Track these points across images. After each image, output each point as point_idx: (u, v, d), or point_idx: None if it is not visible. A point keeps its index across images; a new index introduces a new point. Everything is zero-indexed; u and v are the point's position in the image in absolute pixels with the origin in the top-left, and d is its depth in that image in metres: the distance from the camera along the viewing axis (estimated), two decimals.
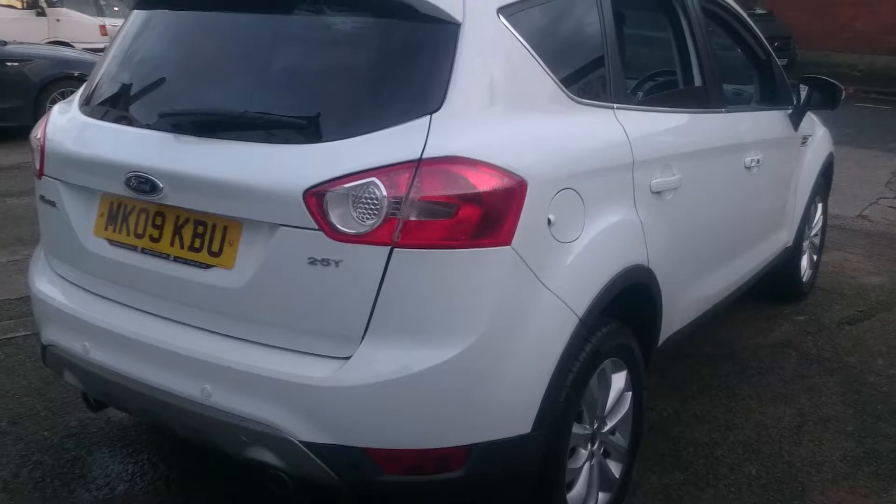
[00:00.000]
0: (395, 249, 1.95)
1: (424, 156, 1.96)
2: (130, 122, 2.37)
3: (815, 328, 4.41)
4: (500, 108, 2.18)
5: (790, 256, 4.41)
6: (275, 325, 2.09)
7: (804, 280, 4.76)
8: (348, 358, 2.01)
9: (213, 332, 2.18)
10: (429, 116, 2.02)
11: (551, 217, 2.16)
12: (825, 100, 4.15)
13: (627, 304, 2.53)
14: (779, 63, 4.09)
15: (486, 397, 2.07)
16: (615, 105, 2.59)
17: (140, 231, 2.29)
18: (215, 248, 2.16)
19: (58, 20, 14.22)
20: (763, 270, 4.01)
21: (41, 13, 13.91)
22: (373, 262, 1.96)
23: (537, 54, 2.30)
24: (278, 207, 2.02)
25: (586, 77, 2.57)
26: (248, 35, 2.34)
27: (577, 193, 2.27)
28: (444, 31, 2.11)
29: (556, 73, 2.35)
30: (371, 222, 1.95)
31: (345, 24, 2.26)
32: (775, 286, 4.53)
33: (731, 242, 3.52)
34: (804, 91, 4.14)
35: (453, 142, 2.01)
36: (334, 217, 1.96)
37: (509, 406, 2.12)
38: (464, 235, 1.98)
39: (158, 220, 2.25)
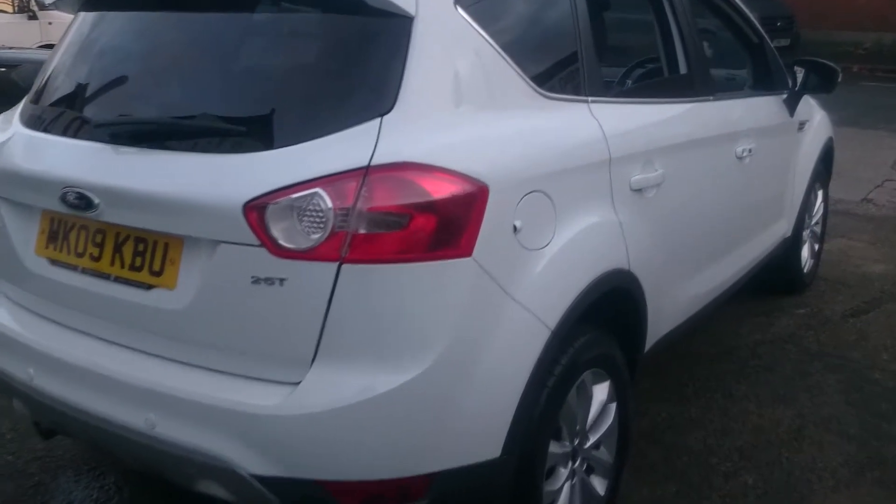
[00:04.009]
0: (344, 265, 1.80)
1: (373, 162, 1.81)
2: (68, 133, 2.22)
3: (816, 321, 4.23)
4: (458, 108, 2.02)
5: (789, 247, 4.23)
6: (220, 348, 1.95)
7: (805, 271, 4.57)
8: (298, 383, 1.86)
9: (156, 356, 2.04)
10: (379, 119, 1.87)
11: (517, 223, 2.00)
12: (822, 83, 3.97)
13: (608, 310, 2.37)
14: (772, 46, 3.91)
15: (449, 422, 1.91)
16: (590, 98, 2.42)
17: (80, 250, 2.14)
18: (156, 266, 2.01)
19: (50, 23, 14.04)
20: (760, 264, 3.83)
21: (33, 17, 13.75)
22: (320, 280, 1.81)
23: (500, 47, 2.13)
24: (217, 222, 1.87)
25: (557, 70, 2.40)
26: (187, 40, 2.19)
27: (547, 196, 2.11)
28: (396, 26, 1.95)
29: (522, 67, 2.19)
30: (316, 237, 1.80)
31: (288, 22, 2.10)
32: (775, 279, 4.35)
33: (723, 238, 3.35)
34: (800, 74, 3.97)
35: (405, 146, 1.85)
36: (277, 232, 1.81)
37: (475, 430, 1.96)
38: (419, 248, 1.83)
39: (99, 238, 2.11)
